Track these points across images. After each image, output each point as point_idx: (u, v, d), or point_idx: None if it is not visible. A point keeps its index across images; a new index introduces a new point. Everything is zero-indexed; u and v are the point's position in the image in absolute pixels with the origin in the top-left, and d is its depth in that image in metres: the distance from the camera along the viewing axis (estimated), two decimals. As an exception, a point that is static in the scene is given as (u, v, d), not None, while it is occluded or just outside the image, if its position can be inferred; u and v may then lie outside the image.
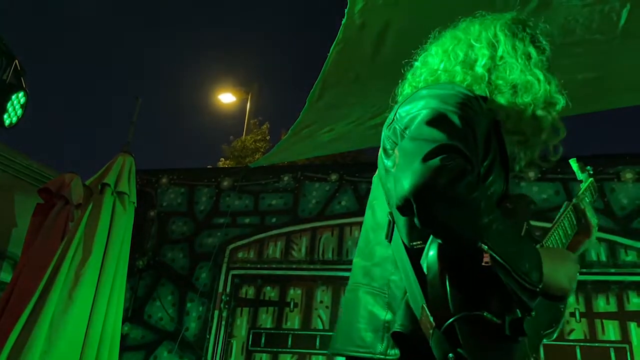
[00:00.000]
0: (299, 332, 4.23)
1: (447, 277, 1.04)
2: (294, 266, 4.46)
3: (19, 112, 3.23)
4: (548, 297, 1.18)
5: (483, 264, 1.01)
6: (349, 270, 4.67)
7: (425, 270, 1.09)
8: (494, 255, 1.02)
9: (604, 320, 3.68)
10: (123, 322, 4.08)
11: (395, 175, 1.10)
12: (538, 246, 1.27)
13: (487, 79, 1.34)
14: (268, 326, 4.33)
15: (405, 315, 1.13)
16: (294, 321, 4.29)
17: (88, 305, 3.21)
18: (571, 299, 3.76)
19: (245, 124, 12.70)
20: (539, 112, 1.32)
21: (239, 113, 14.38)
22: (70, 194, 3.45)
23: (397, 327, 1.14)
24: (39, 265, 3.28)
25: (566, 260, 1.24)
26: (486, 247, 1.02)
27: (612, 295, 3.74)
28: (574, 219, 1.47)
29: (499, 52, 1.37)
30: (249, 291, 4.51)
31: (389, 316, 1.19)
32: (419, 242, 1.14)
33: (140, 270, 4.67)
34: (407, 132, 1.20)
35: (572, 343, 3.66)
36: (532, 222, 1.36)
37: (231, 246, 4.72)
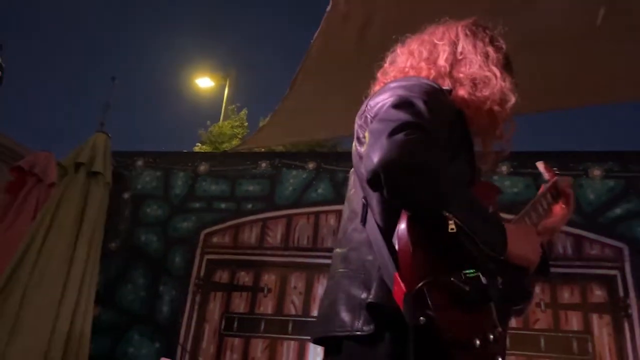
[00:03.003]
0: (272, 317, 4.26)
1: (416, 246, 1.11)
2: (268, 252, 4.49)
3: (-7, 86, 3.15)
4: (514, 268, 1.26)
5: (449, 230, 1.09)
6: (324, 257, 4.70)
7: (396, 243, 1.16)
8: (458, 222, 1.10)
9: (567, 311, 3.81)
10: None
11: (365, 153, 1.17)
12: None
13: (448, 72, 1.44)
14: (241, 311, 4.35)
15: (380, 289, 1.19)
16: (267, 306, 4.32)
17: (59, 287, 3.18)
18: (537, 290, 3.89)
19: (223, 109, 12.57)
20: (495, 107, 1.41)
21: (216, 98, 14.25)
22: (43, 173, 3.39)
23: (371, 299, 1.20)
24: (9, 245, 3.22)
25: (529, 235, 1.34)
26: (450, 215, 1.10)
27: (576, 288, 3.88)
28: (549, 197, 1.59)
29: (459, 49, 1.47)
30: (222, 276, 4.52)
31: (364, 294, 1.24)
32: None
33: (112, 252, 4.63)
34: (376, 118, 1.28)
35: (536, 332, 3.79)
36: (504, 215, 1.47)
37: (206, 231, 4.71)
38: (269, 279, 4.42)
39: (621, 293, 3.78)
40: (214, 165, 5.06)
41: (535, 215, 1.49)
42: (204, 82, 14.90)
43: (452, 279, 1.09)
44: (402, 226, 1.13)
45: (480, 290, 1.12)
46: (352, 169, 1.55)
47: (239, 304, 4.39)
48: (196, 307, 4.41)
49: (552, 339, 3.76)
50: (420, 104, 1.22)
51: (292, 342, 4.14)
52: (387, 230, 1.20)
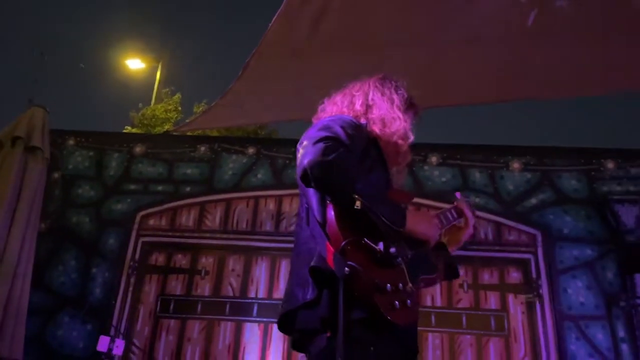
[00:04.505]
0: (209, 299, 4.31)
1: (339, 221, 1.51)
2: (207, 235, 4.52)
3: None
4: (415, 241, 1.66)
5: (355, 207, 1.48)
6: (263, 240, 4.83)
7: (327, 223, 1.54)
8: (363, 202, 1.48)
9: (487, 292, 4.16)
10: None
11: (299, 159, 1.59)
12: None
13: (364, 113, 1.89)
14: (177, 293, 4.36)
15: (317, 259, 1.55)
16: (204, 288, 4.36)
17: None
18: (461, 272, 4.21)
19: (155, 92, 12.23)
20: (400, 141, 1.85)
21: (147, 81, 13.84)
22: (-28, 147, 3.24)
23: (312, 264, 1.55)
24: None
25: (427, 217, 1.78)
26: (357, 196, 1.49)
27: (495, 270, 4.23)
28: (454, 212, 2.01)
29: (370, 97, 1.93)
30: (159, 258, 4.51)
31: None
32: None
33: (42, 233, 4.47)
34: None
35: (459, 311, 4.11)
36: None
37: (142, 213, 4.66)
38: (206, 261, 4.46)
39: (534, 275, 4.17)
40: (150, 147, 5.00)
41: (445, 220, 1.92)
42: (135, 64, 14.43)
43: (364, 240, 1.49)
44: (330, 210, 1.54)
45: (387, 250, 1.51)
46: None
47: (176, 286, 4.40)
48: (131, 289, 4.37)
49: (473, 316, 4.09)
50: (337, 127, 1.66)
51: (229, 323, 4.21)
52: (324, 222, 1.58)
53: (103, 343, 3.29)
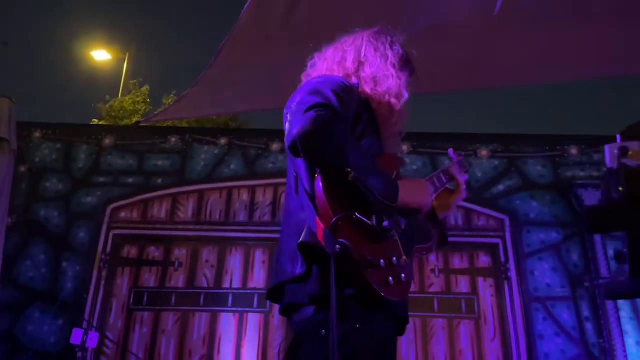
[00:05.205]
0: (183, 291, 4.29)
1: (329, 195, 1.43)
2: (179, 227, 4.49)
3: None
4: (409, 210, 1.59)
5: (349, 179, 1.41)
6: (237, 231, 4.81)
7: (315, 196, 1.46)
8: (355, 175, 1.42)
9: (458, 276, 4.26)
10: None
11: (288, 128, 1.48)
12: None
13: (355, 71, 1.78)
14: (151, 285, 4.33)
15: (307, 233, 1.48)
16: (178, 280, 4.34)
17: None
18: (432, 257, 4.31)
19: (122, 84, 12.01)
20: (393, 100, 1.74)
21: (114, 72, 13.57)
22: None
23: (300, 240, 1.48)
24: None
25: (419, 184, 1.68)
26: (349, 169, 1.42)
27: (466, 254, 4.34)
28: (442, 178, 1.93)
29: (362, 53, 1.81)
30: (131, 251, 4.46)
31: None
32: None
33: (8, 228, 4.37)
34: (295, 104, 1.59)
35: (431, 295, 4.20)
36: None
37: (113, 205, 4.60)
38: (180, 253, 4.44)
39: (502, 258, 4.29)
40: (119, 138, 4.93)
41: (439, 183, 1.85)
42: (100, 55, 14.15)
43: (356, 215, 1.42)
44: (318, 182, 1.46)
45: (379, 224, 1.45)
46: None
47: (149, 278, 4.37)
48: (103, 282, 4.32)
49: (445, 300, 4.19)
50: (328, 92, 1.55)
51: (204, 314, 4.21)
52: (313, 194, 1.50)
53: (77, 336, 3.25)
